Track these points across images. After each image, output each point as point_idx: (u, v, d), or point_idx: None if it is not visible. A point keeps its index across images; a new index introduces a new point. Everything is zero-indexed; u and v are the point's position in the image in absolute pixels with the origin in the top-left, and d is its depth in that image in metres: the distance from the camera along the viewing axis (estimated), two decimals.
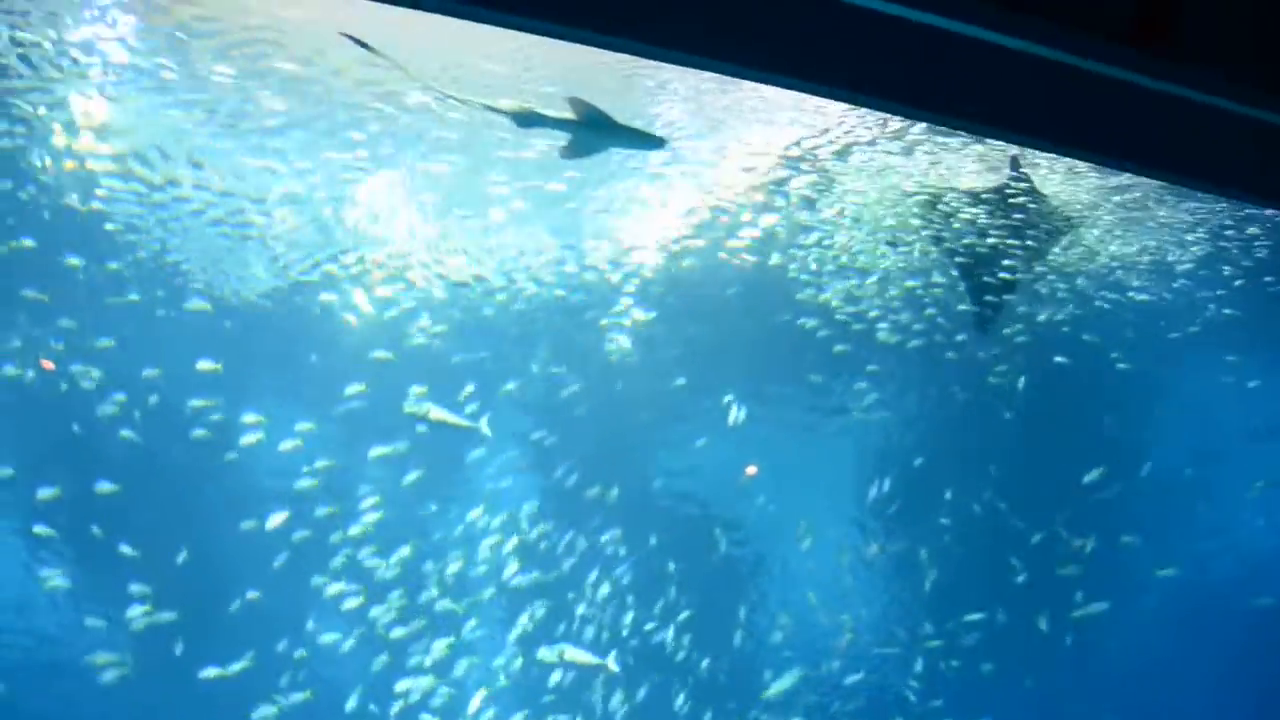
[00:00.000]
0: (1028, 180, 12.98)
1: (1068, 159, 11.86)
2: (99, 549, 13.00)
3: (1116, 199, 13.27)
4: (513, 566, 14.63)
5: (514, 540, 14.77)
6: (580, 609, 14.93)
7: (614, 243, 14.39)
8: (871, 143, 12.42)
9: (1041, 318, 15.14)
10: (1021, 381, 15.28)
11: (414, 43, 10.53)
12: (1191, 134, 3.26)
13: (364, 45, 10.36)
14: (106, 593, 13.18)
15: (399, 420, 13.84)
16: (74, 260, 12.95)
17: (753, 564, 15.76)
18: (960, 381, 15.53)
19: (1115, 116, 3.19)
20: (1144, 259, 14.61)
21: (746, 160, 13.05)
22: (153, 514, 13.19)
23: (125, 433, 12.98)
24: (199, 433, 13.15)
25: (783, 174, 13.23)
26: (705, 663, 15.22)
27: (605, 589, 15.00)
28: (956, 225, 13.71)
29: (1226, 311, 15.04)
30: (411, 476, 13.97)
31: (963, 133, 10.85)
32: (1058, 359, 15.16)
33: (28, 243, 12.78)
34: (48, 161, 12.45)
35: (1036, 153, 12.00)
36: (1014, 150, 12.30)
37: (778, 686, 14.88)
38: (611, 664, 14.28)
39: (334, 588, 13.68)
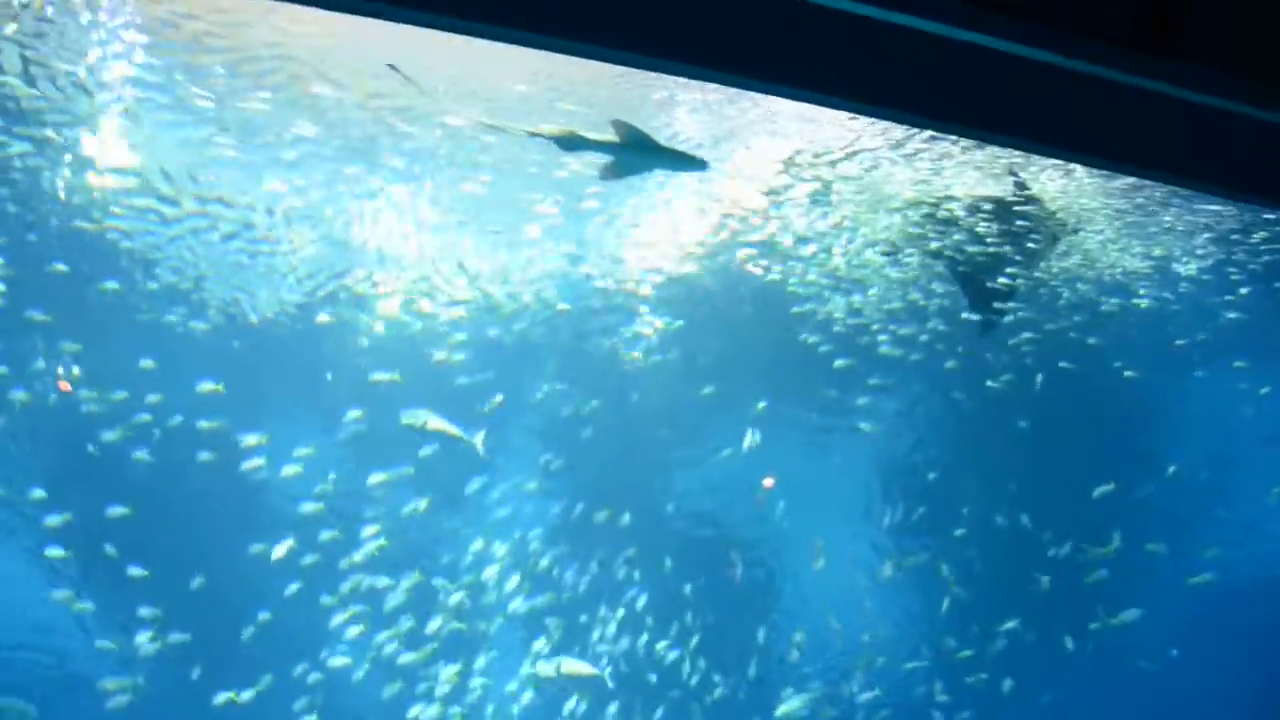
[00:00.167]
0: (1028, 188, 13.00)
1: (1072, 164, 11.87)
2: (113, 570, 12.93)
3: (1123, 204, 13.26)
4: (527, 589, 14.52)
5: (529, 563, 14.68)
6: (595, 633, 14.80)
7: (623, 259, 14.40)
8: (875, 151, 12.45)
9: (1051, 326, 15.10)
10: (1034, 390, 15.22)
11: (427, 60, 10.61)
12: (1196, 136, 3.28)
13: (406, 77, 10.49)
14: (121, 615, 13.14)
15: (413, 440, 13.80)
16: (111, 284, 12.99)
17: (767, 582, 15.64)
18: (971, 391, 15.49)
19: (1121, 120, 3.21)
20: (1148, 266, 14.59)
21: (754, 171, 13.08)
22: (169, 536, 13.11)
23: (140, 454, 12.90)
24: (207, 455, 12.98)
25: (790, 183, 13.24)
26: (721, 683, 15.09)
27: (620, 611, 14.87)
28: (958, 237, 13.71)
29: (1232, 315, 14.99)
30: (425, 500, 13.90)
31: (967, 140, 10.87)
32: (1068, 367, 15.11)
33: (58, 267, 12.82)
34: (62, 182, 12.49)
35: (1038, 158, 12.01)
36: (1018, 157, 12.30)
37: (786, 707, 14.78)
38: (607, 678, 14.18)
39: (347, 612, 13.58)
